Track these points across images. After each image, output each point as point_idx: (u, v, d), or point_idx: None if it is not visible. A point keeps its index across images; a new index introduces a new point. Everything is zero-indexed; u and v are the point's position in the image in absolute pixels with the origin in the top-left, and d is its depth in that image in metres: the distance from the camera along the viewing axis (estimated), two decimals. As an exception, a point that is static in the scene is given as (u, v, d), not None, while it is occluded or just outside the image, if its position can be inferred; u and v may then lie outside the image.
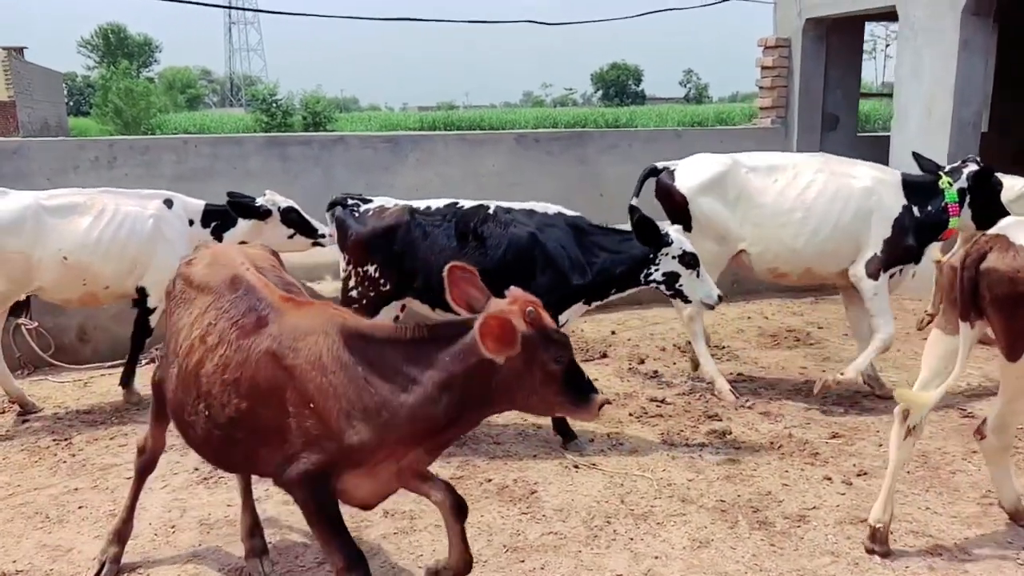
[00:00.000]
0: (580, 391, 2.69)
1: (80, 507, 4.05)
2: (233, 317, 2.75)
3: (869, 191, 5.27)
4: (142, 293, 5.47)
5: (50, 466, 4.57)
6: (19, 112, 31.60)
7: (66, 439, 4.94)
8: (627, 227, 4.70)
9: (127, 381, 5.58)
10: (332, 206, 4.87)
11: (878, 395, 5.59)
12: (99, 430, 5.10)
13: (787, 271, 5.50)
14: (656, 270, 4.64)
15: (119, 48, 69.40)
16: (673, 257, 4.62)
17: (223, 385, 2.67)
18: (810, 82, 9.40)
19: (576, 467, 4.49)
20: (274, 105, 42.80)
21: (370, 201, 4.79)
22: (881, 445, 4.76)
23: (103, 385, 5.92)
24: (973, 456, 4.59)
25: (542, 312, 2.62)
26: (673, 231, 4.70)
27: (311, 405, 2.58)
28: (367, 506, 2.90)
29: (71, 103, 53.17)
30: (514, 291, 2.69)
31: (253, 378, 2.63)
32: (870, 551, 3.59)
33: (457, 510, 2.95)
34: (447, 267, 2.76)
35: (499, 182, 8.38)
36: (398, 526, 3.86)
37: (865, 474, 4.38)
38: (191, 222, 5.56)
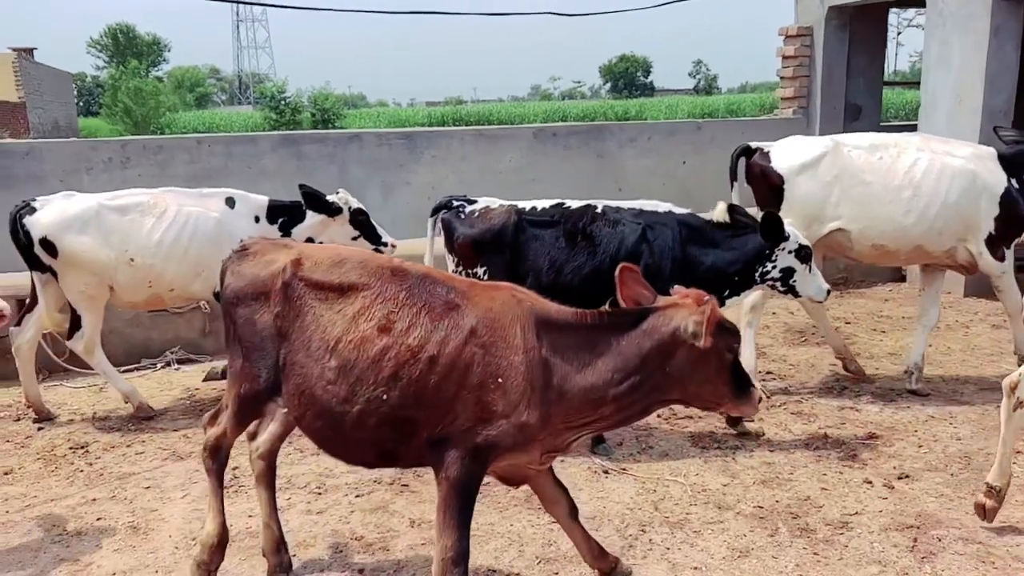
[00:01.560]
0: (744, 383, 2.84)
1: (98, 519, 3.94)
2: (417, 303, 2.82)
3: (972, 171, 5.23)
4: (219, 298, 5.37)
5: (67, 475, 4.47)
6: (29, 113, 31.66)
7: (82, 447, 4.84)
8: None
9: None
10: (437, 210, 4.82)
11: (910, 390, 5.42)
12: (116, 437, 4.99)
13: (895, 248, 5.44)
14: (773, 267, 4.54)
15: (128, 48, 69.36)
16: (789, 252, 4.52)
17: (415, 364, 2.73)
18: (832, 71, 9.19)
19: (606, 472, 4.36)
20: (283, 102, 42.70)
21: (475, 202, 4.77)
22: (921, 446, 4.60)
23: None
24: (1018, 456, 4.42)
25: (715, 302, 2.74)
26: (787, 224, 4.57)
27: (499, 380, 2.69)
28: (512, 483, 3.09)
29: (81, 103, 53.24)
30: (679, 288, 2.87)
31: (450, 354, 2.72)
32: (979, 506, 3.64)
33: (572, 510, 3.16)
34: (619, 267, 2.91)
35: (517, 178, 8.23)
36: (426, 536, 3.73)
37: (907, 477, 4.22)
38: (257, 219, 5.47)
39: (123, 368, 6.23)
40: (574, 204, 4.67)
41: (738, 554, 3.53)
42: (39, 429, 5.15)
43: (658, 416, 5.09)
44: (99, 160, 7.15)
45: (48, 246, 4.98)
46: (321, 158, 7.79)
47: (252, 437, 3.45)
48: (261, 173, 7.43)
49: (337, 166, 7.81)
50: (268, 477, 3.42)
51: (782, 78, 9.56)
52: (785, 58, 9.45)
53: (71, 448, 4.82)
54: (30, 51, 35.62)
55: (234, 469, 4.48)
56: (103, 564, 3.55)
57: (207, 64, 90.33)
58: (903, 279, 8.64)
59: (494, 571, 3.46)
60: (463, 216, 4.70)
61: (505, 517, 3.89)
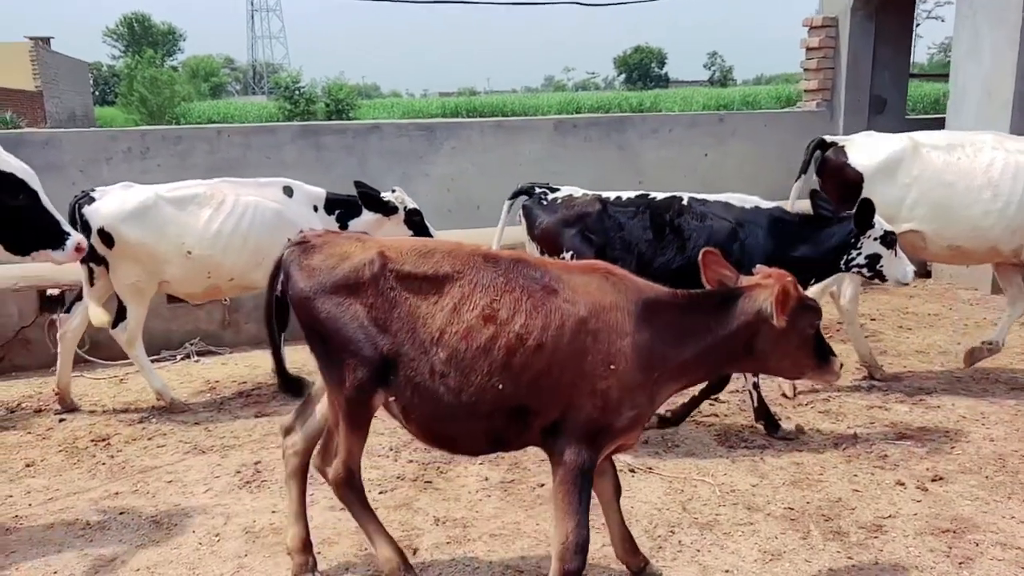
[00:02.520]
0: (824, 354, 2.99)
1: (121, 513, 3.92)
2: (516, 289, 2.82)
3: None
4: None
5: (89, 468, 4.44)
6: (46, 102, 31.80)
7: (104, 439, 4.81)
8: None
9: None
10: (516, 195, 4.82)
11: (975, 351, 5.47)
12: (137, 430, 4.97)
13: (971, 248, 5.40)
14: (859, 254, 4.56)
15: (144, 37, 69.62)
16: (875, 239, 4.53)
17: (525, 352, 2.74)
18: (858, 63, 9.04)
19: (632, 471, 4.29)
20: (297, 92, 42.65)
21: (557, 189, 4.76)
22: (954, 447, 4.51)
23: (139, 382, 5.78)
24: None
25: (791, 282, 2.88)
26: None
27: (611, 367, 2.75)
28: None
29: (96, 92, 53.41)
30: (761, 268, 3.03)
31: (557, 341, 2.75)
32: None
33: (617, 489, 3.21)
34: (702, 251, 3.03)
35: (537, 169, 8.13)
36: (451, 535, 3.68)
37: (940, 479, 4.13)
38: (315, 208, 5.49)
39: (143, 359, 6.21)
40: (659, 196, 4.64)
41: (770, 557, 3.46)
42: (60, 421, 5.13)
43: (683, 414, 5.02)
44: (118, 150, 7.12)
45: (105, 237, 4.99)
46: (341, 149, 7.74)
47: (288, 432, 3.33)
48: (281, 164, 7.38)
49: (357, 157, 7.76)
50: (301, 475, 3.32)
51: (805, 70, 9.41)
52: (809, 49, 9.29)
53: (93, 441, 4.80)
54: (47, 40, 35.76)
55: (256, 464, 4.45)
56: (127, 559, 3.52)
57: (221, 54, 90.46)
58: (928, 275, 8.51)
59: (521, 572, 3.40)
60: (545, 203, 4.67)
61: (531, 516, 3.83)
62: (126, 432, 4.92)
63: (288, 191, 5.44)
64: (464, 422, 2.83)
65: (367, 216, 5.55)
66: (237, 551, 3.57)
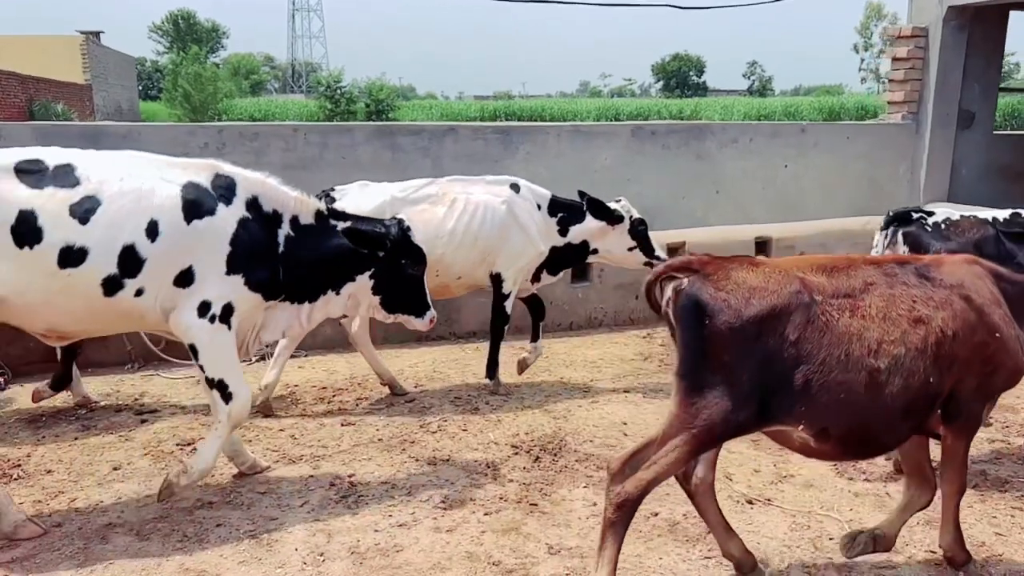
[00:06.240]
0: None
1: (219, 525, 3.73)
2: (921, 287, 3.01)
3: None
4: (497, 280, 5.42)
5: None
6: (95, 95, 32.20)
7: (189, 444, 4.65)
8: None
9: (492, 373, 5.56)
10: (892, 222, 4.64)
11: None
12: (221, 434, 4.79)
13: None
14: None
15: (188, 34, 70.42)
16: None
17: (946, 343, 2.93)
18: (948, 75, 8.66)
19: (750, 502, 4.02)
20: (338, 92, 42.77)
21: (932, 213, 4.66)
22: (1095, 490, 4.18)
23: (216, 383, 5.63)
24: None
25: None
26: None
27: (996, 335, 3.03)
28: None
29: (140, 87, 53.98)
30: None
31: (961, 325, 2.97)
32: None
33: (925, 505, 3.42)
34: None
35: (612, 176, 7.91)
36: (568, 566, 3.45)
37: (1089, 525, 3.81)
38: (539, 206, 5.50)
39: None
40: None
41: (922, 607, 3.18)
42: (142, 422, 4.99)
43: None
44: (196, 145, 6.99)
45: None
46: (416, 151, 7.55)
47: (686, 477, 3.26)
48: (356, 164, 7.21)
49: (431, 159, 7.56)
50: (710, 494, 3.27)
51: (891, 81, 9.06)
52: (895, 60, 8.93)
53: (178, 444, 4.64)
54: (97, 35, 36.23)
55: (350, 477, 4.25)
56: (230, 577, 3.33)
57: (262, 52, 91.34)
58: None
59: (653, 611, 3.16)
60: (929, 229, 4.56)
61: (651, 548, 3.58)
62: (211, 437, 4.75)
63: (515, 188, 5.48)
64: (900, 423, 2.96)
65: (590, 223, 5.53)
66: (345, 573, 3.37)
